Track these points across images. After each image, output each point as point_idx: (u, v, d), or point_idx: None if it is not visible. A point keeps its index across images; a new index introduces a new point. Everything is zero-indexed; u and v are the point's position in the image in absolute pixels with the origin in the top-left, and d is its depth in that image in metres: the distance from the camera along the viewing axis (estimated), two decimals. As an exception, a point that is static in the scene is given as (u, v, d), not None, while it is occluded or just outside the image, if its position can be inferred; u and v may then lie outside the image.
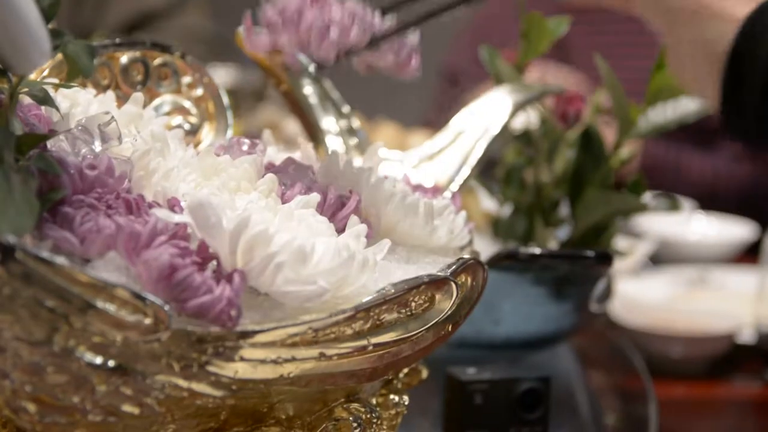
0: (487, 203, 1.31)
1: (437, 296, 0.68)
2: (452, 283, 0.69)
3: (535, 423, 0.92)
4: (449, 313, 0.69)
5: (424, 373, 0.80)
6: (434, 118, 2.11)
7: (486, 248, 1.11)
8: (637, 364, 1.19)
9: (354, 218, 0.69)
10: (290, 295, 0.60)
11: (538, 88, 1.05)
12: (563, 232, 1.21)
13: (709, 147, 2.22)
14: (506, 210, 1.25)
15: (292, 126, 1.70)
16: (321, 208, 0.71)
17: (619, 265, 1.32)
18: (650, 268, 1.58)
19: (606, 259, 1.01)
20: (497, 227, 1.24)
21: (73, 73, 0.64)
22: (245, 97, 2.07)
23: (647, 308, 1.37)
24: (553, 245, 1.20)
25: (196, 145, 0.86)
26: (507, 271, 1.02)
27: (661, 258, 1.64)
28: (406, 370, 0.78)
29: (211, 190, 0.68)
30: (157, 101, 0.85)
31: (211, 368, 0.58)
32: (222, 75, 2.12)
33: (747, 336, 1.32)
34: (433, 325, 0.68)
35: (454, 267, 0.70)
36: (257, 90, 2.11)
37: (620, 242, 1.25)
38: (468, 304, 0.72)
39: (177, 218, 0.60)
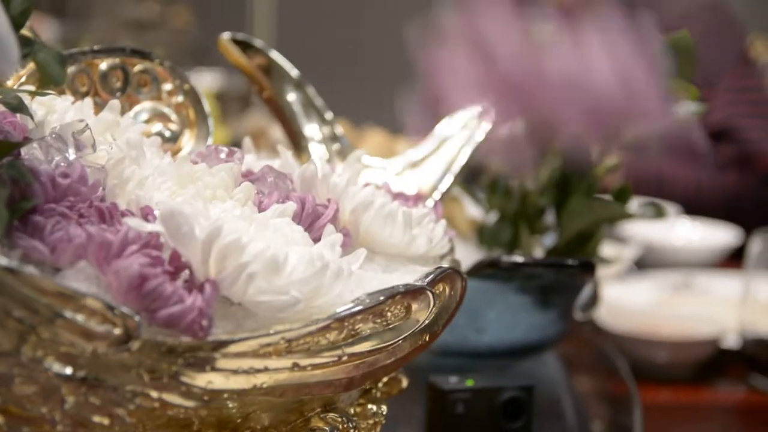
0: (473, 211, 1.31)
1: (414, 306, 0.68)
2: (429, 293, 0.68)
3: (517, 430, 0.92)
4: (426, 323, 0.69)
5: (404, 382, 0.79)
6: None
7: (471, 256, 1.11)
8: (622, 369, 1.18)
9: (330, 227, 0.69)
10: (263, 305, 0.60)
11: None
12: (549, 240, 1.21)
13: (694, 158, 2.22)
14: (491, 218, 1.24)
15: (280, 132, 1.70)
16: (299, 218, 0.70)
17: (604, 270, 1.33)
18: (635, 273, 1.58)
19: (589, 267, 1.01)
20: (482, 235, 1.24)
21: (45, 81, 0.64)
22: (232, 102, 2.07)
23: (632, 313, 1.37)
24: (538, 253, 1.20)
25: (177, 152, 0.85)
26: (490, 280, 1.02)
27: (646, 263, 1.64)
28: (385, 380, 0.77)
29: (186, 199, 0.68)
30: (136, 108, 0.85)
31: (182, 379, 0.57)
32: (208, 80, 2.13)
33: (731, 341, 1.32)
34: (409, 335, 0.68)
35: (431, 276, 0.70)
36: (244, 95, 2.12)
37: (606, 249, 1.25)
38: (446, 314, 0.72)
39: (149, 227, 0.60)
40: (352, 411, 0.72)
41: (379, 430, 0.74)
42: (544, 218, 1.21)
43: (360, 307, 0.64)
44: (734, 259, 1.68)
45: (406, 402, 0.92)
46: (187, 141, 0.87)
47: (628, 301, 1.45)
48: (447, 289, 0.71)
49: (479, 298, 1.03)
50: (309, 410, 0.67)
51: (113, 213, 0.62)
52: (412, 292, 0.67)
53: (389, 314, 0.66)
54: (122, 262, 0.57)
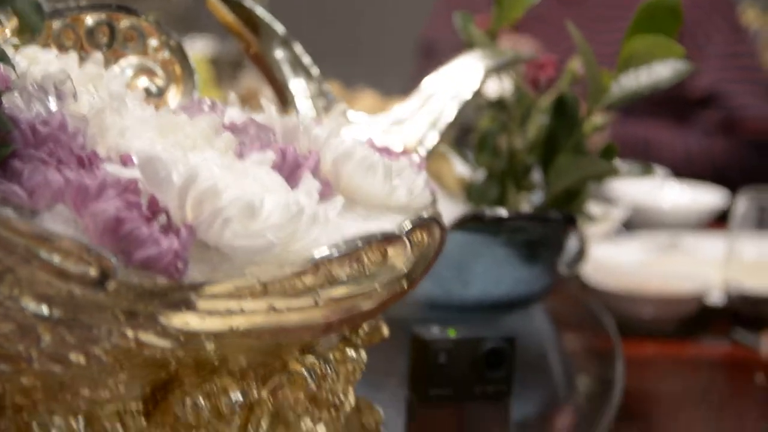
0: (462, 169, 1.32)
1: (390, 252, 0.69)
2: (406, 240, 0.69)
3: (499, 382, 0.93)
4: (404, 270, 0.70)
5: (385, 331, 0.80)
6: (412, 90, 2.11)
7: (459, 213, 1.12)
8: (607, 325, 1.20)
9: (308, 175, 0.70)
10: (239, 249, 0.61)
11: (510, 53, 1.05)
12: (537, 197, 1.22)
13: (683, 122, 2.23)
14: (479, 176, 1.25)
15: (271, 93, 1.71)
16: (279, 168, 0.71)
17: (592, 229, 1.34)
18: (623, 234, 1.60)
19: (571, 221, 1.02)
20: (470, 192, 1.25)
21: (23, 29, 0.65)
22: (225, 68, 2.09)
23: (619, 271, 1.38)
24: (525, 210, 1.21)
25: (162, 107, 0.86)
26: (476, 234, 1.03)
27: (635, 224, 1.65)
28: (366, 329, 0.78)
29: (165, 147, 0.69)
30: (122, 63, 0.86)
31: (158, 319, 0.58)
32: (201, 46, 2.14)
33: (716, 298, 1.33)
34: (386, 281, 0.69)
35: (409, 224, 0.71)
36: (236, 60, 2.13)
37: (593, 207, 1.26)
38: (424, 262, 0.73)
39: (127, 173, 0.61)
40: (331, 356, 0.73)
41: (358, 376, 0.75)
42: (531, 176, 1.22)
43: (336, 252, 0.65)
44: (721, 220, 1.69)
45: (391, 354, 0.94)
46: (173, 96, 0.88)
47: (616, 260, 1.46)
48: (425, 238, 0.72)
49: (465, 252, 1.04)
50: (287, 354, 0.69)
51: (93, 160, 0.63)
52: (388, 239, 0.68)
53: (366, 260, 0.67)
54: (99, 205, 0.58)
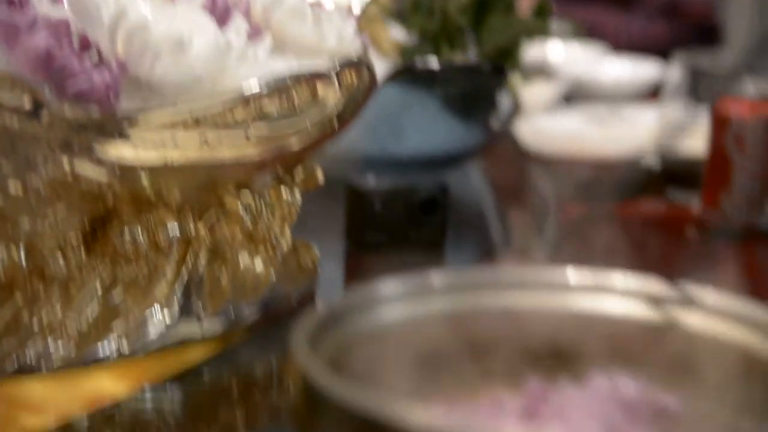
0: (397, 34, 1.33)
1: (320, 90, 0.70)
2: (335, 77, 0.71)
3: (433, 228, 0.95)
4: (334, 109, 0.72)
5: (320, 176, 0.81)
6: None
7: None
8: (543, 185, 1.22)
9: (237, 16, 0.71)
10: (169, 83, 0.62)
11: None
12: (470, 58, 1.23)
13: (626, 7, 2.24)
14: (413, 38, 1.26)
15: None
16: (210, 12, 0.72)
17: (532, 99, 1.36)
18: (563, 106, 1.61)
19: (500, 71, 1.04)
20: (405, 54, 1.26)
21: None
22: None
23: (558, 139, 1.40)
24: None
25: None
26: (409, 87, 1.04)
27: (575, 98, 1.67)
28: (302, 173, 0.80)
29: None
30: None
31: (93, 150, 0.60)
32: None
33: (651, 161, 1.36)
34: (317, 120, 0.71)
35: (337, 64, 0.72)
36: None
37: (534, 84, 1.28)
38: (354, 104, 0.74)
39: (57, 11, 0.62)
40: (267, 196, 0.74)
41: (294, 217, 0.77)
42: (464, 37, 1.23)
43: (265, 88, 0.66)
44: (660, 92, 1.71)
45: (328, 208, 0.96)
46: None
47: (555, 129, 1.48)
48: (354, 79, 0.74)
49: (398, 106, 1.06)
50: (223, 191, 0.70)
51: (23, 1, 0.64)
52: (318, 76, 0.70)
53: (296, 98, 0.69)
54: (30, 41, 0.59)
